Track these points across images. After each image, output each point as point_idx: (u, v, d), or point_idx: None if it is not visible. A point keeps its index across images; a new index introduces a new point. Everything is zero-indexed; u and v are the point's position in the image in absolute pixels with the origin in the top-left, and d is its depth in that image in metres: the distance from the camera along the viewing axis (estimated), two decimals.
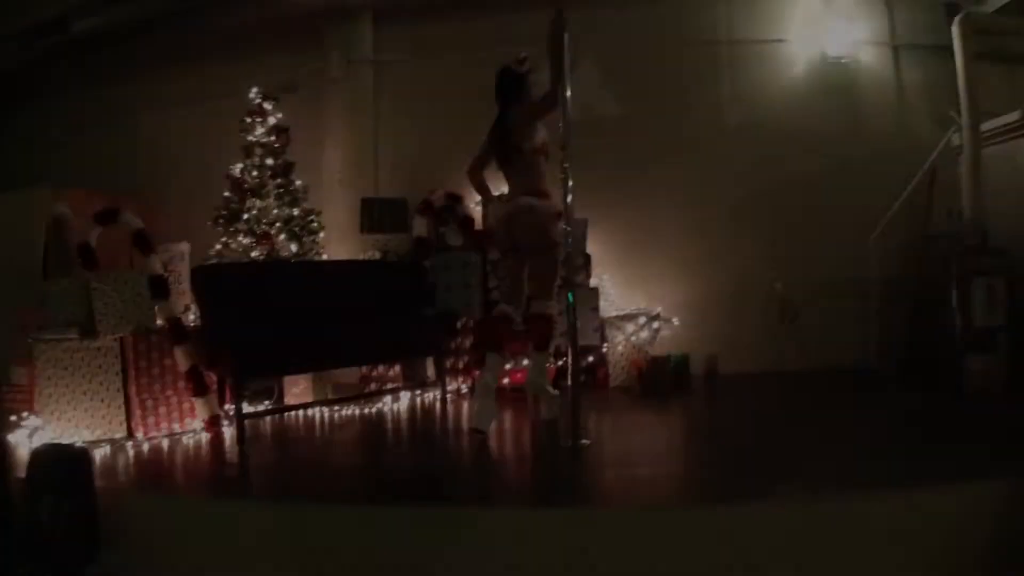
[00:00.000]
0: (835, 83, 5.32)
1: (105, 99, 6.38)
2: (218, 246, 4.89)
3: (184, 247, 5.13)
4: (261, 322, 3.67)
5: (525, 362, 4.48)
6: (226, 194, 4.95)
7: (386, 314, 4.26)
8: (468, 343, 4.74)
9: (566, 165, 3.12)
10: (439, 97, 5.55)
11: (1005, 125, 4.49)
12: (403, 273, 4.77)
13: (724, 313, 5.13)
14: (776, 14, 5.38)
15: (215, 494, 2.79)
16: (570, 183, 3.12)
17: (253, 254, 4.79)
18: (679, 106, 5.33)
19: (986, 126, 4.50)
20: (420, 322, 4.47)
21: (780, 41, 5.33)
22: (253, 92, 5.07)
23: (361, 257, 5.29)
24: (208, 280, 3.88)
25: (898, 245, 5.03)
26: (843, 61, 5.27)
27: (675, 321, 4.97)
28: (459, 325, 4.72)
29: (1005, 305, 4.07)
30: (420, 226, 5.35)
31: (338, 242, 5.49)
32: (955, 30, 4.40)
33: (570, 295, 3.11)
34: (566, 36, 3.08)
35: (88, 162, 6.22)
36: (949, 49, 4.61)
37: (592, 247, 5.08)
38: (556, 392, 3.67)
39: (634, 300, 5.14)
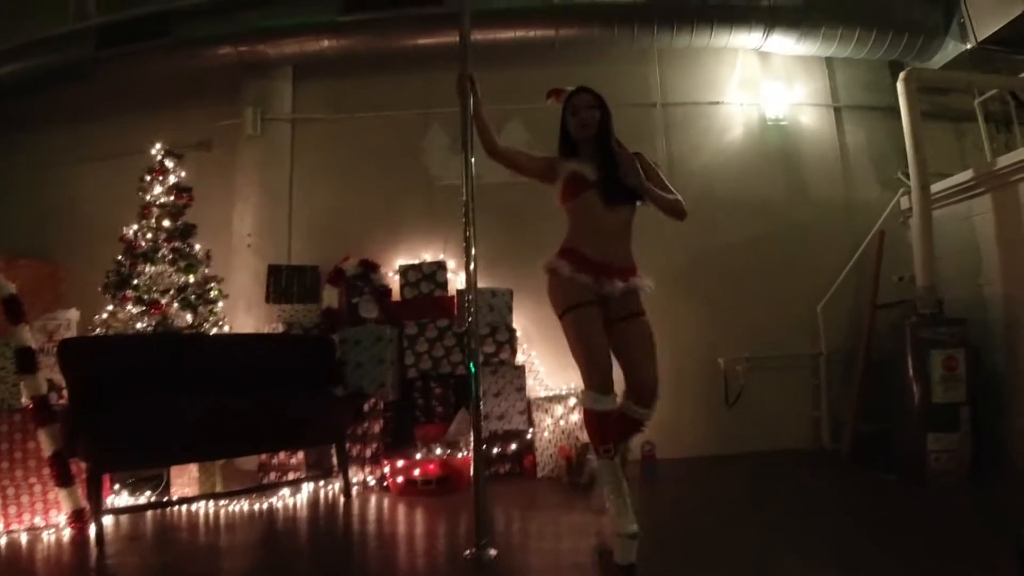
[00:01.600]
0: (776, 145, 5.11)
1: (9, 154, 5.86)
2: (104, 315, 4.39)
3: (72, 315, 4.64)
4: (128, 404, 3.24)
5: (439, 450, 3.99)
6: (119, 258, 4.47)
7: (284, 394, 3.78)
8: (377, 428, 4.23)
9: (468, 233, 2.78)
10: (357, 156, 5.24)
11: (957, 185, 4.30)
12: (308, 348, 4.28)
13: (664, 393, 4.65)
14: (711, 76, 5.19)
15: None
16: (473, 250, 2.79)
17: (140, 325, 4.28)
18: None
19: (936, 187, 4.29)
20: (323, 404, 3.98)
21: (716, 104, 5.12)
22: (155, 148, 4.65)
23: (266, 330, 4.79)
24: (73, 354, 3.40)
25: (847, 314, 4.81)
26: (782, 123, 5.07)
27: None
28: (368, 407, 4.21)
29: (965, 379, 3.73)
30: (331, 296, 4.88)
31: (245, 312, 5.00)
32: (900, 87, 4.21)
33: (472, 366, 2.70)
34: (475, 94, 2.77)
35: None
36: (893, 109, 4.44)
37: (518, 320, 4.67)
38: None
39: (565, 379, 4.69)
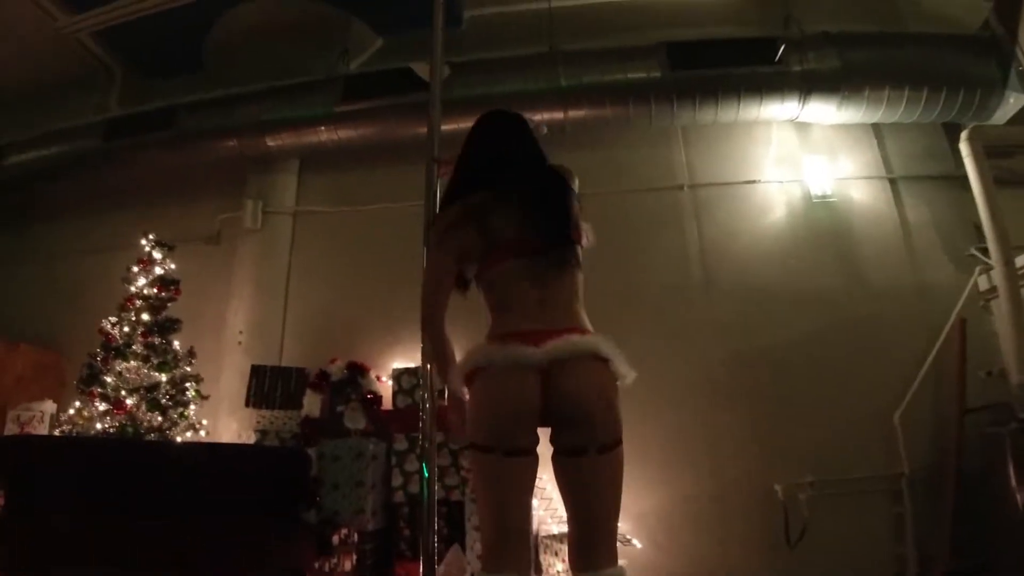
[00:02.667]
0: (825, 226, 4.45)
1: (22, 242, 5.87)
2: (71, 411, 4.01)
3: (48, 407, 4.39)
4: (61, 512, 2.84)
5: None
6: (96, 351, 4.14)
7: (242, 515, 3.18)
8: (349, 565, 3.52)
9: None
10: (357, 250, 4.91)
11: None
12: (279, 462, 3.69)
13: (705, 529, 3.88)
14: (744, 153, 4.67)
15: None
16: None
17: (100, 425, 3.86)
18: (639, 263, 4.46)
19: (1020, 261, 3.58)
20: (285, 531, 3.35)
21: (752, 183, 4.56)
22: (145, 239, 4.42)
23: (244, 436, 4.28)
24: (6, 453, 3.11)
25: (930, 423, 3.91)
26: (831, 200, 4.45)
27: (636, 543, 3.70)
28: (337, 540, 3.53)
29: None
30: (312, 403, 4.33)
31: (228, 415, 4.53)
32: (965, 149, 3.66)
33: (424, 466, 2.06)
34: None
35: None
36: (954, 177, 3.79)
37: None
38: None
39: None
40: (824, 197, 4.46)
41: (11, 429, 4.18)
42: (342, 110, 4.61)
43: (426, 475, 2.06)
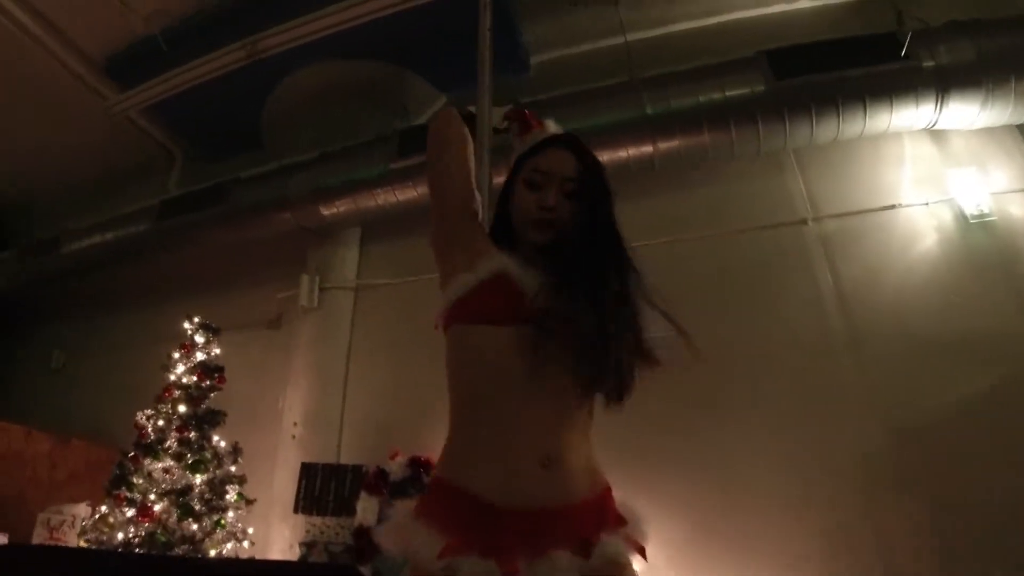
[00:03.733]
0: (987, 251, 3.45)
1: (87, 334, 5.75)
2: (96, 516, 3.48)
3: (81, 510, 3.84)
4: None
5: None
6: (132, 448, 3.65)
7: None
8: None
9: None
10: (423, 326, 4.21)
11: None
12: None
13: None
14: (875, 174, 3.79)
15: None
16: None
17: (120, 535, 3.29)
18: (762, 318, 3.62)
19: None
20: None
21: (891, 208, 3.68)
22: (188, 322, 4.00)
23: (294, 547, 3.59)
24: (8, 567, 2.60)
25: None
26: (989, 219, 3.50)
27: None
28: None
29: None
30: (367, 508, 3.58)
31: (280, 521, 3.89)
32: None
33: None
34: None
35: (58, 399, 5.48)
36: None
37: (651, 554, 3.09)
38: None
39: None
40: (981, 216, 3.51)
41: (40, 534, 3.75)
42: (398, 167, 4.14)
43: None
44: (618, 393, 1.20)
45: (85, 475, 4.49)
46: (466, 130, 1.42)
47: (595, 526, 1.13)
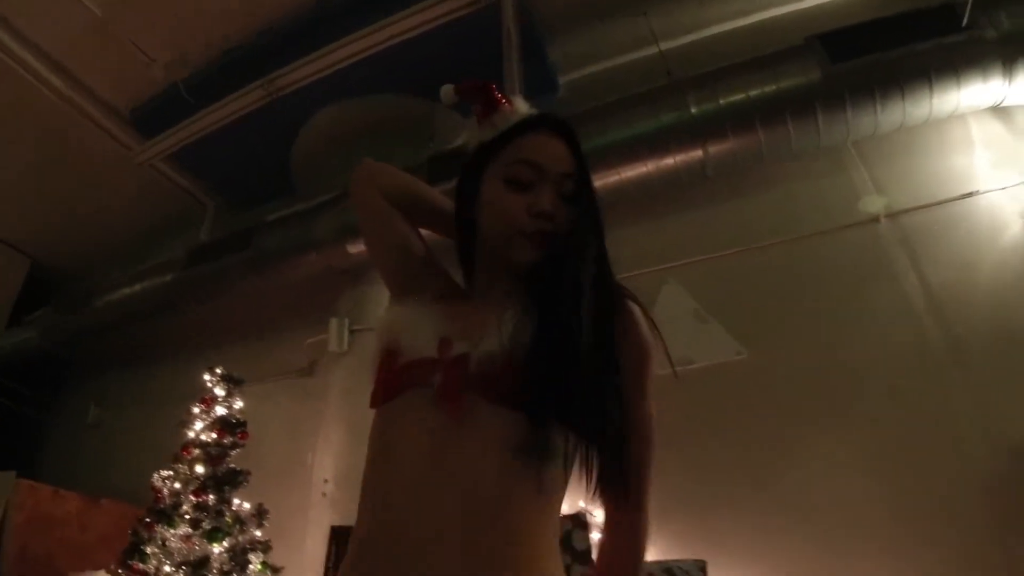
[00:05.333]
0: None
1: (121, 391, 5.59)
2: None
3: None
4: None
5: None
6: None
7: None
8: None
9: None
10: None
11: None
12: None
13: None
14: (945, 162, 3.36)
15: None
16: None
17: None
18: (843, 329, 3.18)
19: None
20: None
21: (969, 196, 3.22)
22: (208, 375, 3.72)
23: None
24: None
25: None
26: None
27: None
28: None
29: None
30: None
31: None
32: None
33: None
34: None
35: (93, 456, 5.33)
36: None
37: None
38: None
39: None
40: None
41: None
42: None
43: None
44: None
45: (116, 537, 4.15)
46: (388, 176, 1.16)
47: None
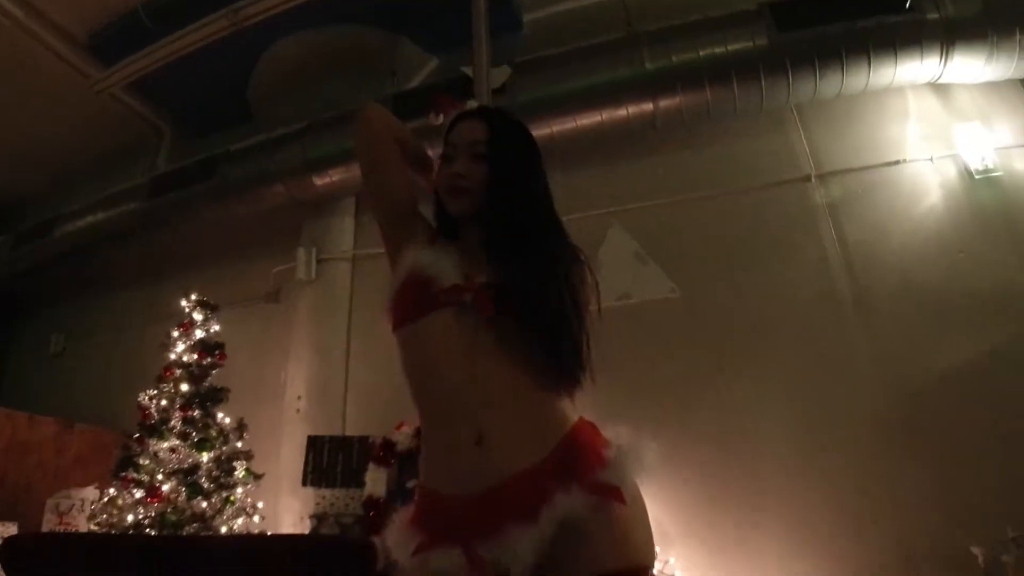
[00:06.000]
0: (993, 207, 3.42)
1: (84, 316, 5.67)
2: (104, 500, 3.47)
3: (89, 493, 3.84)
4: None
5: None
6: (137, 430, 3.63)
7: None
8: None
9: None
10: None
11: None
12: (337, 556, 2.99)
13: None
14: (879, 129, 3.72)
15: None
16: None
17: (131, 517, 3.28)
18: (767, 277, 3.60)
19: None
20: None
21: (896, 163, 3.61)
22: (185, 301, 3.94)
23: (304, 520, 3.62)
24: (17, 558, 2.52)
25: None
26: (995, 175, 3.44)
27: None
28: None
29: None
30: (375, 480, 3.57)
31: (289, 495, 3.91)
32: None
33: None
34: None
35: (59, 384, 5.41)
36: None
37: (651, 513, 3.09)
38: None
39: None
40: (986, 172, 3.46)
41: (49, 520, 3.74)
42: None
43: None
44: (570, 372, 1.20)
45: (91, 459, 4.49)
46: (392, 121, 1.41)
47: (549, 488, 1.08)
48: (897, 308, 3.35)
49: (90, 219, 4.94)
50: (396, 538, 1.17)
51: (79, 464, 4.45)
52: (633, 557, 1.09)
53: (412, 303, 1.22)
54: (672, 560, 3.11)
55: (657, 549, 2.94)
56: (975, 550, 2.79)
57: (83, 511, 3.77)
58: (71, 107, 4.93)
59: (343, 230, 4.60)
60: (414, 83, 4.54)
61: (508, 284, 1.18)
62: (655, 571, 2.99)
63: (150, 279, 5.33)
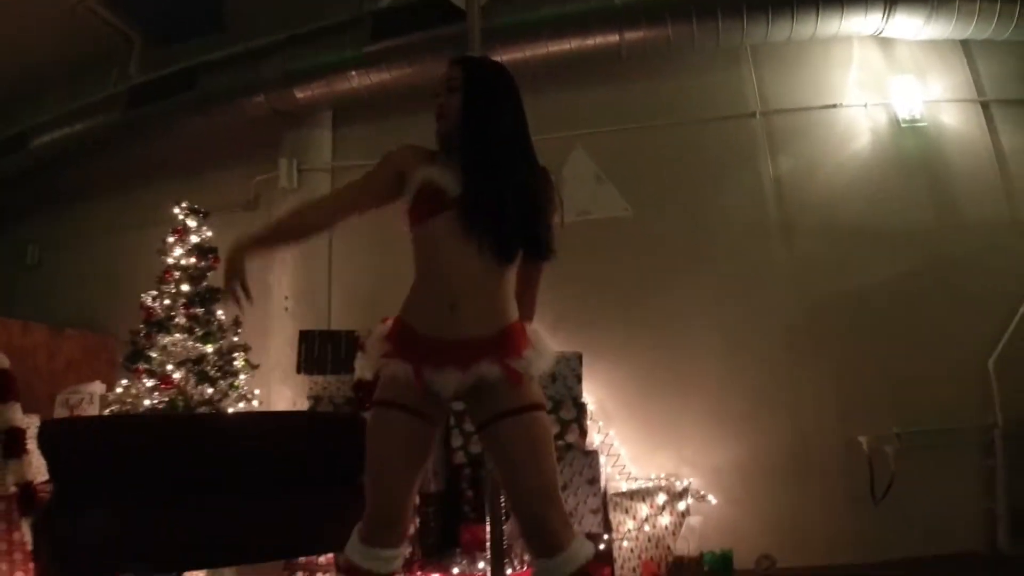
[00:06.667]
0: (915, 154, 4.00)
1: (58, 226, 5.77)
2: (118, 390, 3.91)
3: (96, 388, 4.25)
4: (113, 499, 2.54)
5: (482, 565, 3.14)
6: (140, 327, 4.02)
7: (307, 486, 3.07)
8: (413, 528, 3.44)
9: None
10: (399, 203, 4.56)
11: None
12: (335, 428, 3.56)
13: (784, 484, 3.64)
14: (822, 74, 4.17)
15: None
16: None
17: (148, 402, 3.76)
18: (706, 200, 4.13)
19: None
20: (353, 497, 3.23)
21: (833, 107, 4.09)
22: (178, 208, 4.21)
23: (298, 404, 4.18)
24: (53, 439, 2.77)
25: None
26: (920, 125, 3.98)
27: (711, 499, 3.53)
28: None
29: None
30: (364, 366, 4.16)
31: (280, 383, 4.44)
32: None
33: None
34: None
35: (37, 294, 5.58)
36: None
37: (590, 392, 3.75)
38: None
39: (652, 467, 3.73)
40: (913, 121, 3.98)
41: (60, 414, 4.10)
42: (372, 50, 4.23)
43: None
44: (538, 251, 1.65)
45: (82, 361, 4.81)
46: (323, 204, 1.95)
47: (481, 355, 1.56)
48: (816, 236, 3.94)
49: (67, 130, 4.98)
50: (372, 343, 1.71)
51: (71, 367, 4.74)
52: (527, 400, 1.56)
53: (424, 208, 1.64)
54: (612, 432, 3.82)
55: (600, 423, 3.64)
56: (861, 439, 3.58)
57: (92, 404, 4.17)
58: (39, 17, 4.80)
59: (322, 142, 4.84)
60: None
61: (470, 196, 1.59)
62: (599, 441, 3.72)
63: (125, 189, 5.43)
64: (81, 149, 5.05)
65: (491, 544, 2.19)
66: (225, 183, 5.04)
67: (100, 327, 5.22)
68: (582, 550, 1.50)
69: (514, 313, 1.66)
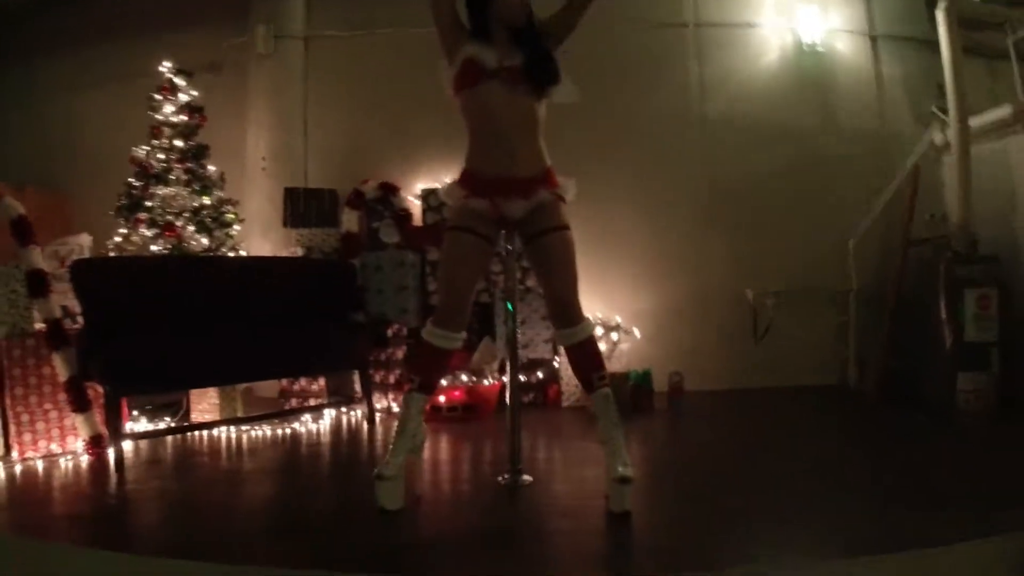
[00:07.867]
0: (810, 73, 4.91)
1: (9, 85, 5.69)
2: (117, 238, 4.24)
3: (84, 239, 4.50)
4: (145, 326, 3.13)
5: (464, 377, 3.93)
6: (130, 180, 4.30)
7: (304, 319, 3.68)
8: (400, 354, 4.16)
9: None
10: (374, 76, 5.02)
11: (994, 122, 4.08)
12: (328, 272, 4.16)
13: (689, 324, 4.68)
14: None
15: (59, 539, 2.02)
16: None
17: (154, 248, 4.15)
18: (640, 94, 4.87)
19: (973, 123, 4.05)
20: (344, 330, 3.88)
21: (751, 26, 4.89)
22: (164, 67, 4.43)
23: (284, 254, 4.68)
24: (87, 275, 3.23)
25: (879, 251, 4.64)
26: (818, 49, 4.86)
27: (636, 333, 4.45)
28: (391, 334, 4.14)
29: (998, 319, 3.64)
30: (350, 220, 4.75)
31: (261, 236, 4.89)
32: (940, 17, 3.98)
33: (509, 304, 2.53)
34: None
35: None
36: (929, 42, 4.25)
37: None
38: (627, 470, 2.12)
39: (590, 308, 4.56)
40: (813, 46, 4.86)
41: (50, 266, 4.06)
42: None
43: (510, 308, 2.55)
44: (547, 80, 2.25)
45: (45, 219, 4.63)
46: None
47: (536, 185, 2.22)
48: (725, 129, 4.81)
49: None
50: (449, 190, 2.31)
51: (36, 224, 4.77)
52: (560, 222, 2.26)
53: (470, 76, 2.19)
54: None
55: None
56: (748, 292, 4.60)
57: (83, 254, 4.32)
58: None
59: (295, 12, 5.08)
60: None
61: (525, 67, 2.18)
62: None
63: (84, 46, 5.41)
64: (39, 5, 5.03)
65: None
66: (187, 45, 5.05)
67: (54, 186, 5.36)
68: (589, 326, 2.29)
69: (547, 159, 2.33)
